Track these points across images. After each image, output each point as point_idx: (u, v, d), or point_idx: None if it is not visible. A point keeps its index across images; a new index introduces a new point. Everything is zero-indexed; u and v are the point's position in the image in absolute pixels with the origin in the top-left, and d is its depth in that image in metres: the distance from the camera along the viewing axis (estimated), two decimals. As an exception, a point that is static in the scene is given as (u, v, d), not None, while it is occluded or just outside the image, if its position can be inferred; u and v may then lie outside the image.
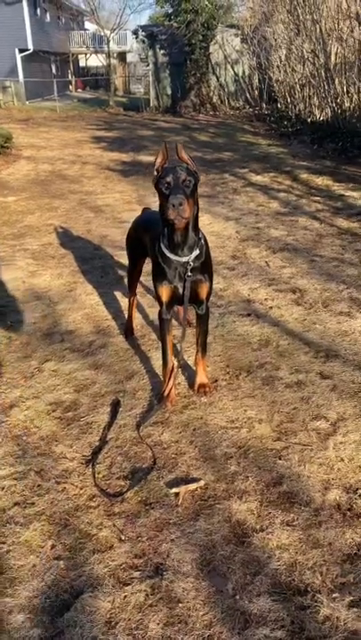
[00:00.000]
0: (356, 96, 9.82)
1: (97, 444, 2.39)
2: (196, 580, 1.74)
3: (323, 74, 10.85)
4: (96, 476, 2.18)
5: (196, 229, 2.36)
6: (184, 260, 2.35)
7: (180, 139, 12.16)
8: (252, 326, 3.36)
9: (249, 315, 3.51)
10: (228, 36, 18.15)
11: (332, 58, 10.71)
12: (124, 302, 3.78)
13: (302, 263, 4.42)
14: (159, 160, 2.29)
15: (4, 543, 1.90)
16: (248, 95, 17.50)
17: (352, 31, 9.97)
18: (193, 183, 2.23)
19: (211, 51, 18.10)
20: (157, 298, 2.47)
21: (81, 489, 2.14)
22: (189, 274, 2.35)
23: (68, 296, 3.93)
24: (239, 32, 17.47)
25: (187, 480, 2.14)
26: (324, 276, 4.10)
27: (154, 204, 2.93)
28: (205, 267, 2.42)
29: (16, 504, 2.07)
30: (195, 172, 2.27)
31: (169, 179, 2.20)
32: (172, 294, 2.42)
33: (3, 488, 2.14)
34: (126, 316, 3.39)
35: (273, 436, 2.37)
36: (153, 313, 3.57)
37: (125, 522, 1.97)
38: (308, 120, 12.45)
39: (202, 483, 2.12)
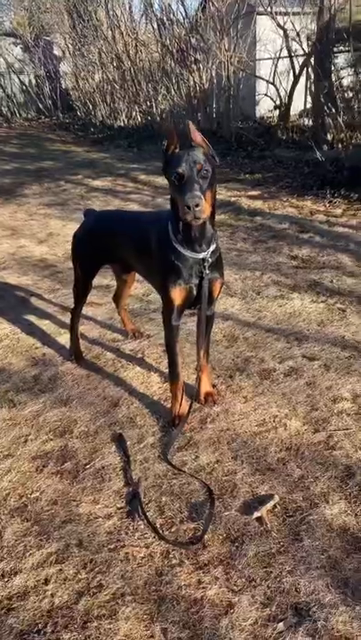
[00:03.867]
0: (168, 97, 10.09)
1: (126, 490, 1.96)
2: (348, 607, 1.50)
3: (130, 78, 10.94)
4: (156, 527, 1.78)
5: (213, 222, 2.03)
6: (201, 256, 2.02)
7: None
8: (204, 325, 3.14)
9: (193, 314, 3.29)
10: (8, 44, 17.32)
11: (137, 62, 10.86)
12: (46, 325, 3.26)
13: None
14: (169, 143, 1.92)
15: (101, 650, 1.42)
16: (40, 105, 16.93)
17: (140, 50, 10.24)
18: (211, 171, 1.86)
19: (-9, 60, 17.07)
20: (168, 302, 2.09)
21: (147, 548, 1.72)
22: (207, 272, 2.03)
23: (-31, 331, 3.26)
24: (19, 40, 16.79)
25: (259, 500, 1.87)
26: (235, 267, 4.06)
27: None
28: (219, 262, 2.13)
29: (81, 594, 1.58)
30: (212, 157, 1.92)
31: (182, 169, 1.82)
32: (187, 296, 2.07)
33: (48, 580, 1.62)
34: (68, 338, 2.91)
35: (310, 429, 2.21)
36: (86, 330, 3.13)
37: (225, 569, 1.63)
38: (115, 125, 12.49)
39: (277, 498, 1.87)
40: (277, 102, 9.23)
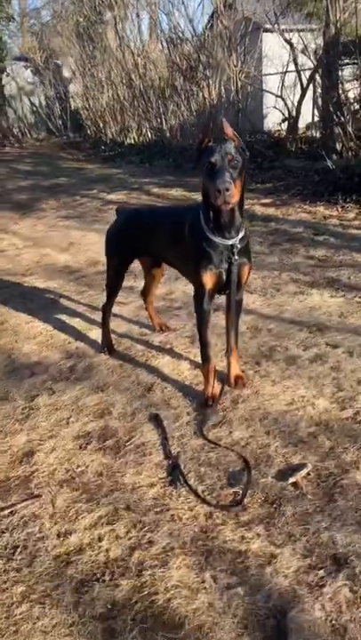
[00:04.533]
0: (178, 113, 10.35)
1: (166, 462, 2.09)
2: (383, 555, 1.62)
3: (139, 95, 11.25)
4: (198, 492, 1.91)
5: (241, 210, 2.19)
6: (231, 242, 2.18)
7: (0, 170, 11.56)
8: (227, 319, 3.28)
9: (216, 309, 3.43)
10: (19, 67, 17.83)
11: (147, 80, 11.18)
12: (76, 323, 3.41)
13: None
14: (204, 137, 2.09)
15: (157, 594, 1.54)
16: (51, 125, 17.34)
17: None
18: (241, 162, 2.04)
19: (3, 82, 17.57)
20: (200, 285, 2.24)
21: (191, 511, 1.84)
22: (236, 257, 2.19)
23: (4, 330, 3.41)
24: (30, 64, 17.29)
25: (293, 468, 1.99)
26: (254, 268, 4.19)
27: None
28: (247, 249, 2.29)
29: (133, 549, 1.70)
30: (243, 149, 2.09)
31: (214, 158, 2.00)
32: (217, 280, 2.23)
33: (101, 538, 1.75)
34: (98, 334, 3.07)
35: (338, 407, 2.33)
36: (115, 326, 3.27)
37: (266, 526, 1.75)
38: (125, 143, 12.78)
39: (310, 466, 1.99)
40: (286, 115, 9.46)
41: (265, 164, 8.43)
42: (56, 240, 5.64)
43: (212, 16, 10.34)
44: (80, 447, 2.23)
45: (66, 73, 17.05)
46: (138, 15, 11.37)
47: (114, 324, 3.30)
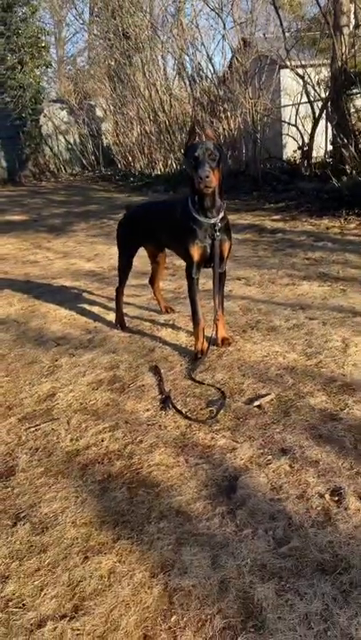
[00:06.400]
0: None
1: (160, 396, 2.59)
2: (320, 447, 2.07)
3: (165, 130, 12.09)
4: (182, 411, 2.40)
5: (221, 195, 2.74)
6: (213, 221, 2.72)
7: (37, 201, 12.48)
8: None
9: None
10: (55, 109, 19.15)
11: (171, 115, 12.04)
12: (96, 309, 3.97)
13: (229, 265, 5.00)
14: (188, 138, 2.68)
15: (141, 469, 2.03)
16: (84, 161, 18.47)
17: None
18: (218, 156, 2.59)
19: (41, 123, 18.87)
20: (188, 257, 2.79)
21: (175, 422, 2.34)
22: (217, 234, 2.73)
23: (35, 315, 4.00)
24: (65, 105, 18.60)
25: (259, 397, 2.46)
26: (255, 268, 4.72)
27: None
28: (227, 227, 2.83)
29: (127, 444, 2.20)
30: (220, 146, 2.67)
31: (197, 153, 2.56)
32: (203, 253, 2.77)
33: (103, 440, 2.25)
34: (114, 317, 3.62)
35: (304, 358, 2.80)
36: (128, 311, 3.81)
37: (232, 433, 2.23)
38: (153, 174, 13.62)
39: (273, 395, 2.46)
40: (300, 143, 10.08)
41: (279, 187, 9.02)
42: (83, 252, 6.28)
43: (233, 56, 11.17)
44: (92, 389, 2.75)
45: (98, 112, 18.29)
46: (163, 57, 12.31)
47: (127, 310, 3.85)
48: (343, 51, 7.97)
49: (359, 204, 6.59)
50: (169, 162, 12.94)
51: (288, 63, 9.26)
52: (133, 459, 2.10)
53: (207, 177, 2.52)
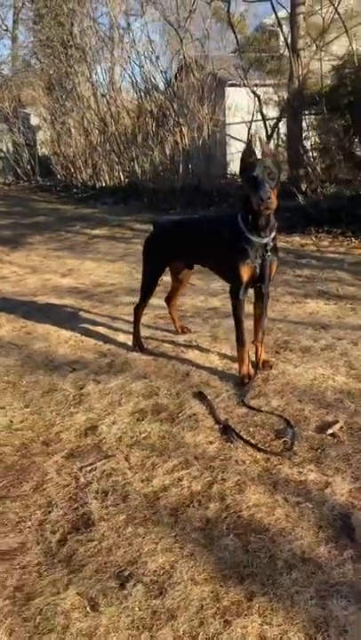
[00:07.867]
0: (152, 156, 10.97)
1: (218, 427, 2.43)
2: None
3: (115, 140, 11.89)
4: (253, 443, 2.25)
5: (276, 212, 2.64)
6: (265, 240, 2.61)
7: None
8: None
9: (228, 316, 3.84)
10: (-14, 117, 18.36)
11: (119, 127, 11.86)
12: (102, 330, 3.74)
13: (221, 283, 4.91)
14: (247, 155, 2.55)
15: (241, 511, 1.86)
16: (19, 170, 17.80)
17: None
18: (277, 175, 2.49)
19: (-29, 130, 18.02)
20: (237, 278, 2.65)
21: (250, 456, 2.19)
22: (268, 254, 2.62)
23: (34, 337, 3.70)
24: (-2, 112, 17.87)
25: (328, 424, 2.37)
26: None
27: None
28: (276, 248, 2.72)
29: (211, 484, 2.03)
30: (279, 164, 2.56)
31: (255, 173, 2.43)
32: (252, 274, 2.64)
33: (180, 479, 2.07)
34: (125, 338, 3.43)
35: (354, 380, 2.75)
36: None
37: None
38: (97, 186, 13.34)
39: (341, 422, 2.38)
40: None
41: (237, 206, 9.09)
42: (54, 267, 5.97)
43: (180, 69, 11.21)
44: (138, 420, 2.54)
45: (34, 121, 17.75)
46: (111, 69, 12.14)
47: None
48: (300, 72, 8.20)
49: (327, 221, 6.75)
50: (116, 173, 12.73)
51: (244, 82, 9.42)
52: (227, 500, 1.93)
53: (269, 198, 2.41)
